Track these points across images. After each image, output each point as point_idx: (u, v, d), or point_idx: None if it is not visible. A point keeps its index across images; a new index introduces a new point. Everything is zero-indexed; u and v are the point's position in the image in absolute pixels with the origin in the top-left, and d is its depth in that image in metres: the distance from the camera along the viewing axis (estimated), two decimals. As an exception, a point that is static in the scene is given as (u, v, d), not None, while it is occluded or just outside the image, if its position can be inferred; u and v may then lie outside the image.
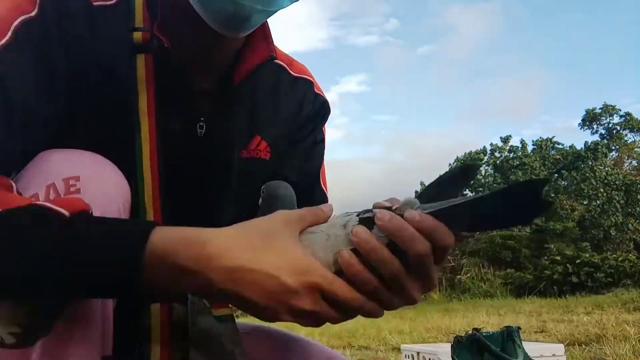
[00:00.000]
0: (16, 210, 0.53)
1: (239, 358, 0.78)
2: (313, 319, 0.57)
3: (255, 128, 0.84)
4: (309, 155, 0.93)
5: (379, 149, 45.41)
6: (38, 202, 0.55)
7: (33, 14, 0.67)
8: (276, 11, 0.71)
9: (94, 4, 0.72)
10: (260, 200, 0.79)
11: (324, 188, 0.95)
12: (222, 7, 0.67)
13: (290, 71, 0.90)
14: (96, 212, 0.59)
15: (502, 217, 0.61)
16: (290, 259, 0.55)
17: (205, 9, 0.68)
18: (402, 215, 0.57)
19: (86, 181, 0.62)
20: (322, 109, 0.93)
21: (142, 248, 0.53)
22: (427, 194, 0.64)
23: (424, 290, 0.59)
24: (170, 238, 0.55)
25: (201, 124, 0.78)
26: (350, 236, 0.56)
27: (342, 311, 0.57)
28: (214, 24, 0.70)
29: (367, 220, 0.58)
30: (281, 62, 0.89)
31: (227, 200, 0.84)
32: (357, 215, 0.59)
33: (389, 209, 0.59)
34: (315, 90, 0.93)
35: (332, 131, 48.14)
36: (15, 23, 0.66)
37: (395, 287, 0.57)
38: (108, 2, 0.73)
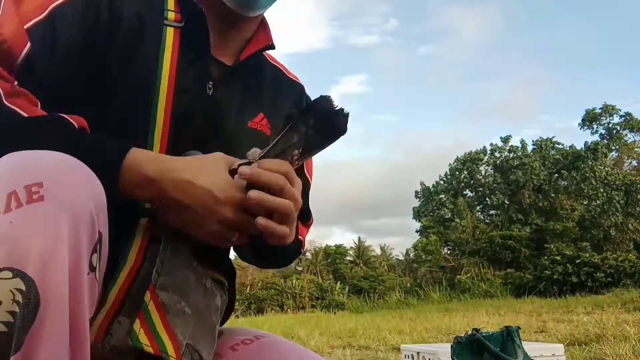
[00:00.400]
0: (41, 118, 0.72)
1: None
2: (234, 227, 0.76)
3: (260, 106, 0.98)
4: None
5: (379, 149, 45.44)
6: (56, 114, 0.73)
7: None
8: None
9: None
10: None
11: (307, 175, 1.08)
12: None
13: (287, 74, 1.07)
14: (64, 217, 0.58)
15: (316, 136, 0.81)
16: (220, 181, 0.75)
17: None
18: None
19: (50, 188, 0.59)
20: None
21: (123, 155, 0.73)
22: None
23: (296, 209, 0.78)
24: (142, 154, 0.75)
25: (210, 85, 0.90)
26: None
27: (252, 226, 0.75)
28: (229, 3, 0.89)
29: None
30: (279, 65, 1.06)
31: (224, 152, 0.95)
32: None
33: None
34: (306, 93, 1.08)
35: (332, 131, 48.14)
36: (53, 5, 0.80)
37: (286, 196, 0.77)
38: None
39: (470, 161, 24.07)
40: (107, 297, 0.76)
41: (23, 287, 0.55)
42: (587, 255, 13.79)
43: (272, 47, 0.99)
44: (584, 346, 3.61)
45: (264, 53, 1.02)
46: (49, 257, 0.57)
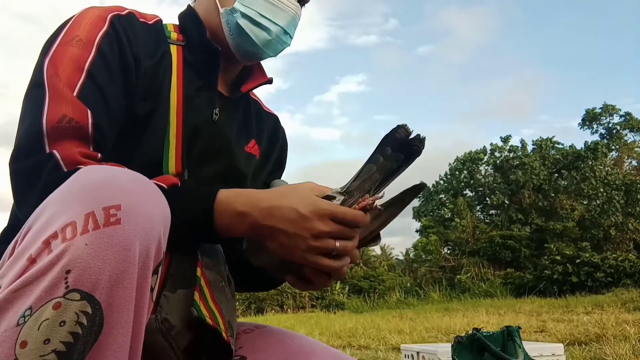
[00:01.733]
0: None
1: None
2: (331, 240, 0.78)
3: (252, 133, 1.10)
4: (276, 168, 1.20)
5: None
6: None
7: (105, 28, 0.90)
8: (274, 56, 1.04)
9: (140, 19, 0.97)
10: None
11: None
12: (249, 49, 1.01)
13: (263, 107, 1.19)
14: (138, 243, 0.59)
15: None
16: (304, 199, 0.78)
17: (236, 46, 1.00)
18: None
19: (127, 211, 0.59)
20: (284, 137, 1.22)
21: (213, 200, 0.79)
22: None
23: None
24: (230, 192, 0.80)
25: (216, 111, 1.00)
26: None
27: (349, 227, 0.79)
28: (237, 55, 1.02)
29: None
30: (257, 99, 1.19)
31: (227, 173, 1.03)
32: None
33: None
34: (280, 123, 1.22)
35: (332, 131, 48.12)
36: (97, 39, 0.88)
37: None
38: (150, 21, 1.00)
39: (470, 161, 24.06)
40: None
41: (89, 310, 0.56)
42: (587, 255, 13.78)
43: (270, 82, 1.11)
44: (584, 346, 3.61)
45: None
46: (118, 283, 0.57)
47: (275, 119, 1.20)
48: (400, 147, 0.82)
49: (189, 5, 1.07)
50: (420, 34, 42.13)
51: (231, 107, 1.05)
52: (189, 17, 1.04)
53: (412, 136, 0.82)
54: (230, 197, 0.79)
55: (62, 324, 0.55)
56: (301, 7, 1.06)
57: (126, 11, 0.95)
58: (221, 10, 0.99)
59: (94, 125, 0.81)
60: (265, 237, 0.79)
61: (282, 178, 1.21)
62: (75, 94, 0.82)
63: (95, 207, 0.58)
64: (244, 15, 0.98)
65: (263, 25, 0.98)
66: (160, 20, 1.02)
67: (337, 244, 0.79)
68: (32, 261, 0.58)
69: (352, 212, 0.79)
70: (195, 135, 0.95)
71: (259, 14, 0.98)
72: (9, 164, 0.79)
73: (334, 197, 0.82)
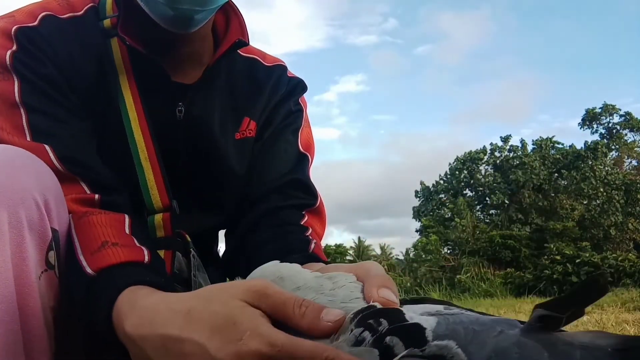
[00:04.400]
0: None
1: None
2: None
3: (242, 111, 0.89)
4: (282, 131, 0.94)
5: (377, 149, 45.44)
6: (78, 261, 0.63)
7: (14, 47, 0.74)
8: (216, 8, 0.77)
9: (62, 17, 0.79)
10: None
11: (304, 151, 0.93)
12: (164, 12, 0.74)
13: (264, 62, 0.95)
14: (4, 211, 0.56)
15: None
16: (226, 326, 0.45)
17: (152, 12, 0.75)
18: None
19: None
20: (295, 89, 0.96)
21: (110, 315, 0.57)
22: None
23: None
24: (125, 303, 0.55)
25: (180, 107, 0.82)
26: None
27: None
28: (162, 24, 0.76)
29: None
30: (254, 56, 0.94)
31: (223, 179, 0.88)
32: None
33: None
34: (289, 74, 0.97)
35: (331, 131, 48.14)
36: (8, 63, 0.73)
37: None
38: (78, 12, 0.80)
39: (470, 161, 24.06)
40: None
41: None
42: (587, 254, 13.78)
43: (243, 43, 0.84)
44: (583, 346, 3.60)
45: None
46: None
47: (279, 73, 0.95)
48: None
49: None
50: (419, 35, 42.15)
51: (201, 93, 0.84)
52: None
53: None
54: (124, 312, 0.55)
55: None
56: None
57: (39, 17, 0.77)
58: None
59: (58, 159, 0.70)
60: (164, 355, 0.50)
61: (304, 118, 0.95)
62: (27, 137, 0.71)
63: None
64: None
65: None
66: (93, 6, 0.82)
67: None
68: None
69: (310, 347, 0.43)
70: (166, 149, 0.80)
71: None
72: None
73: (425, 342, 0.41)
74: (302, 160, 0.92)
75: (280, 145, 0.91)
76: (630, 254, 13.67)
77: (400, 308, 0.45)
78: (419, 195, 25.22)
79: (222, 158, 0.86)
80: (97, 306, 0.58)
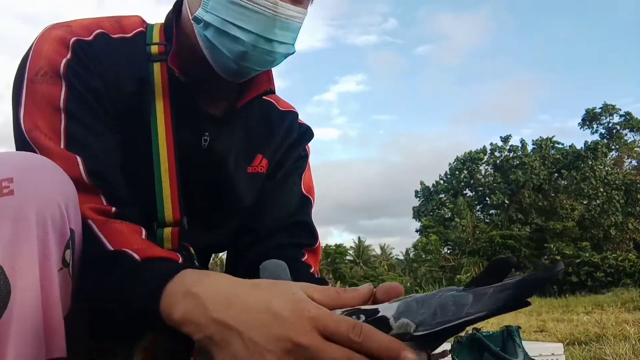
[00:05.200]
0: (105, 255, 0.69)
1: None
2: (307, 357, 0.52)
3: (256, 148, 0.97)
4: (291, 173, 1.03)
5: (377, 149, 45.45)
6: (122, 250, 0.69)
7: (69, 56, 0.79)
8: (271, 68, 0.88)
9: (114, 36, 0.84)
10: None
11: (307, 193, 1.02)
12: (227, 64, 0.82)
13: (278, 107, 1.03)
14: (32, 210, 0.60)
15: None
16: (287, 294, 0.56)
17: (214, 60, 0.82)
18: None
19: (20, 183, 0.61)
20: (304, 135, 1.05)
21: (165, 283, 0.62)
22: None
23: None
24: (185, 272, 0.63)
25: (205, 137, 0.89)
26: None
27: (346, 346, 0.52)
28: (220, 72, 0.84)
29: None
30: (270, 99, 1.03)
31: (231, 206, 0.95)
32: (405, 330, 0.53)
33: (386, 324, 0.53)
34: (299, 121, 1.05)
35: (331, 130, 48.14)
36: (61, 70, 0.78)
37: None
38: (127, 35, 0.86)
39: (470, 161, 24.07)
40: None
41: None
42: (587, 254, 13.81)
43: (271, 92, 0.93)
44: (583, 346, 3.61)
45: None
46: (17, 246, 0.59)
47: (291, 118, 1.03)
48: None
49: (175, 2, 0.90)
50: (419, 35, 42.15)
51: (226, 128, 0.92)
52: (169, 26, 0.88)
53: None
54: (185, 277, 0.62)
55: None
56: (304, 5, 0.85)
57: (94, 34, 0.82)
58: (191, 19, 0.83)
59: (87, 173, 0.74)
60: (212, 343, 0.57)
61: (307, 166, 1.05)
62: (62, 143, 0.75)
63: None
64: (209, 25, 0.80)
65: (232, 35, 0.79)
66: (142, 31, 0.87)
67: None
68: None
69: (351, 322, 0.52)
70: (186, 170, 0.85)
71: (225, 20, 0.79)
72: None
73: (385, 320, 0.53)
74: (306, 203, 1.01)
75: (289, 187, 1.00)
76: (630, 254, 13.69)
77: (377, 307, 0.56)
78: (419, 195, 25.24)
79: (233, 188, 0.93)
80: (143, 286, 0.64)
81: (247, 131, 0.96)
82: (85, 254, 0.69)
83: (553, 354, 2.26)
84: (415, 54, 42.37)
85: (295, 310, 0.53)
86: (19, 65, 0.81)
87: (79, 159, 0.75)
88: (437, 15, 42.91)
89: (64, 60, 0.78)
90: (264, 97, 0.98)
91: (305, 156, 1.04)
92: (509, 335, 1.81)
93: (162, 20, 0.90)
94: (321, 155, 47.09)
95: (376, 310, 0.55)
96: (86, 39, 0.81)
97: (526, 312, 7.62)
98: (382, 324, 0.52)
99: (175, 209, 0.83)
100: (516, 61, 41.62)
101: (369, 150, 46.12)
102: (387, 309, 0.54)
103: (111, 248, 0.69)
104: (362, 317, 0.54)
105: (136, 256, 0.67)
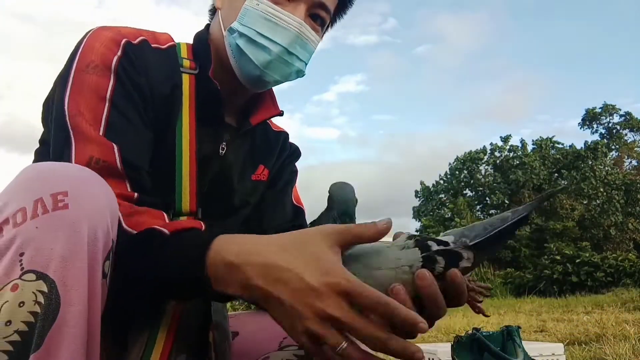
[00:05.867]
0: (136, 235, 0.72)
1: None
2: (339, 327, 0.59)
3: (258, 159, 1.08)
4: (288, 185, 1.17)
5: (377, 149, 45.40)
6: (153, 227, 0.72)
7: (120, 53, 0.87)
8: (284, 82, 0.99)
9: (152, 45, 0.94)
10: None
11: (297, 204, 1.17)
12: (251, 71, 0.94)
13: (272, 127, 1.17)
14: (85, 225, 0.62)
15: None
16: (317, 261, 0.61)
17: (239, 66, 0.95)
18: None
19: (74, 197, 0.62)
20: (295, 153, 1.19)
21: (205, 253, 0.67)
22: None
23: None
24: (225, 240, 0.68)
25: (223, 145, 0.99)
26: (411, 270, 0.61)
27: (373, 321, 0.58)
28: (242, 80, 0.96)
29: (429, 260, 0.62)
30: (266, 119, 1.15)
31: (239, 208, 1.04)
32: (417, 247, 0.64)
33: (445, 244, 0.64)
34: (290, 140, 1.20)
35: (332, 131, 48.14)
36: (113, 65, 0.85)
37: (431, 315, 0.62)
38: (163, 46, 0.96)
39: (470, 161, 24.07)
40: (157, 334, 0.81)
41: (45, 289, 0.59)
42: (587, 254, 13.79)
43: (281, 114, 1.08)
44: (583, 345, 3.60)
45: None
46: (69, 262, 0.60)
47: (284, 137, 1.17)
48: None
49: (207, 25, 1.04)
50: (419, 35, 42.16)
51: (239, 139, 1.03)
52: (201, 42, 1.00)
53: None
54: (222, 245, 0.67)
55: (21, 305, 0.58)
56: (320, 32, 1.00)
57: (139, 39, 0.92)
58: (224, 32, 0.96)
59: (122, 161, 0.80)
60: (258, 300, 0.65)
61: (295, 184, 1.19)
62: (101, 130, 0.81)
63: (44, 193, 0.61)
64: (242, 35, 0.93)
65: (261, 45, 0.92)
66: (173, 45, 0.98)
67: (344, 344, 0.58)
68: None
69: (379, 296, 0.57)
70: (203, 171, 0.93)
71: (257, 32, 0.92)
72: None
73: (461, 255, 0.63)
74: (300, 211, 1.15)
75: (285, 197, 1.14)
76: (630, 254, 13.67)
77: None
78: (419, 195, 25.24)
79: (240, 191, 1.03)
80: (184, 252, 0.68)
81: (252, 144, 1.07)
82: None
83: (553, 354, 2.26)
84: (415, 54, 42.40)
85: (328, 285, 0.59)
86: (67, 60, 0.87)
87: (115, 146, 0.80)
88: (437, 15, 42.96)
89: (115, 57, 0.86)
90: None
91: (296, 172, 1.19)
92: (509, 335, 1.81)
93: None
94: (321, 156, 47.04)
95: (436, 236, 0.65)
96: (133, 42, 0.90)
97: (526, 312, 7.62)
98: (443, 242, 0.63)
99: (192, 201, 0.90)
100: (516, 61, 41.67)
101: (368, 150, 46.12)
102: (445, 236, 0.66)
103: (134, 231, 0.73)
104: (425, 236, 0.65)
105: (165, 231, 0.72)
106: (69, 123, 0.81)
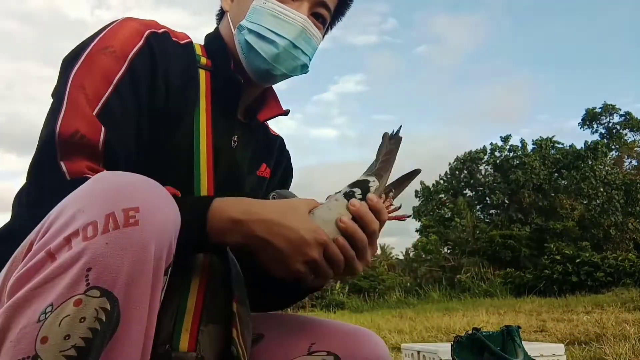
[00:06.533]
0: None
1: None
2: (317, 270, 0.81)
3: (261, 157, 1.13)
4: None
5: (376, 149, 45.17)
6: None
7: (140, 44, 0.90)
8: (291, 76, 1.04)
9: (173, 39, 0.98)
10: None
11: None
12: (260, 65, 0.99)
13: (270, 131, 1.21)
14: (153, 244, 0.62)
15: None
16: (306, 222, 0.80)
17: (247, 60, 1.00)
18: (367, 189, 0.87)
19: (145, 214, 0.62)
20: (289, 159, 1.25)
21: (208, 206, 0.78)
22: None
23: (372, 254, 0.86)
24: (226, 201, 0.80)
25: (235, 138, 1.02)
26: (345, 206, 0.84)
27: (335, 267, 0.81)
28: (251, 75, 1.01)
29: (350, 195, 0.86)
30: (265, 123, 1.20)
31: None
32: (343, 193, 0.87)
33: (366, 186, 0.87)
34: (285, 146, 1.25)
35: (331, 131, 48.12)
36: (131, 55, 0.88)
37: (373, 243, 0.84)
38: (182, 41, 1.00)
39: (470, 160, 24.05)
40: (186, 305, 0.84)
41: (108, 307, 0.59)
42: (587, 254, 13.78)
43: (287, 113, 1.13)
44: (583, 345, 3.60)
45: None
46: (134, 281, 0.60)
47: (280, 142, 1.22)
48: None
49: (216, 28, 1.09)
50: (419, 35, 42.14)
51: (248, 134, 1.07)
52: (214, 42, 1.05)
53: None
54: (225, 204, 0.79)
55: (82, 320, 0.57)
56: (322, 30, 1.06)
57: (162, 29, 0.96)
58: (234, 31, 1.01)
59: (104, 143, 0.81)
60: (257, 248, 0.80)
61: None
62: (96, 110, 0.82)
63: (116, 208, 0.61)
64: (251, 31, 0.98)
65: (269, 39, 0.98)
66: (191, 42, 1.02)
67: (312, 276, 0.82)
68: (52, 256, 0.60)
69: (339, 253, 0.81)
70: (217, 162, 0.96)
71: (265, 27, 0.97)
72: (29, 167, 0.82)
73: (369, 182, 0.87)
74: None
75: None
76: (630, 254, 13.66)
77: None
78: (419, 195, 25.22)
79: (249, 184, 1.08)
80: (188, 209, 0.73)
81: (257, 141, 1.11)
82: None
83: (554, 354, 2.26)
84: (415, 54, 42.38)
85: (315, 239, 0.79)
86: (86, 39, 0.89)
87: (104, 129, 0.82)
88: (437, 15, 42.97)
89: (135, 48, 0.88)
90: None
91: (291, 175, 1.27)
92: (509, 335, 1.81)
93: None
94: (320, 156, 47.02)
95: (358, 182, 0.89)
96: (157, 31, 0.94)
97: (526, 312, 7.62)
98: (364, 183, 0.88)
99: (210, 190, 0.93)
100: (516, 61, 41.67)
101: (368, 150, 46.02)
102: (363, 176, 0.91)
103: None
104: (357, 190, 0.87)
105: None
106: (67, 91, 0.82)
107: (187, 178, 0.91)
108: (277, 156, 1.19)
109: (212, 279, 0.88)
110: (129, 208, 0.61)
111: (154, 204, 0.64)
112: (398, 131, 0.98)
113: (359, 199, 0.84)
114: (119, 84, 0.85)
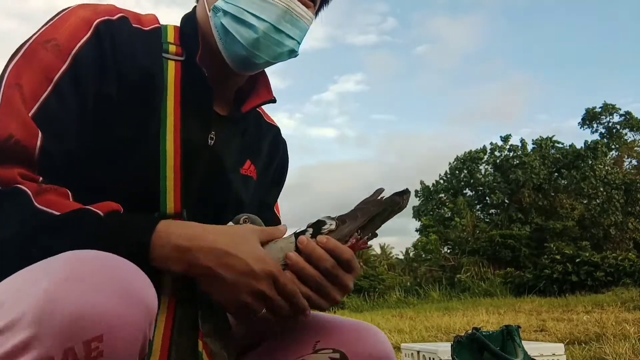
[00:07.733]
0: (67, 215, 0.70)
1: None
2: (267, 304, 0.76)
3: (246, 154, 1.01)
4: (274, 185, 1.14)
5: (377, 148, 45.35)
6: (84, 207, 0.71)
7: (88, 35, 0.81)
8: (275, 63, 0.93)
9: (133, 25, 0.88)
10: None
11: (277, 214, 1.15)
12: (238, 51, 0.88)
13: (265, 118, 1.11)
14: (123, 355, 0.56)
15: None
16: (256, 252, 0.76)
17: (226, 48, 0.89)
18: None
19: (110, 340, 0.55)
20: (285, 150, 1.15)
21: (151, 232, 0.72)
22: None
23: (342, 293, 0.81)
24: (171, 226, 0.74)
25: (212, 135, 0.92)
26: (294, 243, 0.80)
27: (290, 302, 0.77)
28: (230, 62, 0.90)
29: (301, 234, 0.83)
30: (259, 110, 1.09)
31: (227, 203, 0.97)
32: (294, 232, 0.84)
33: (319, 226, 0.83)
34: (281, 136, 1.14)
35: (331, 131, 48.11)
36: (75, 49, 0.79)
37: (337, 282, 0.79)
38: (146, 27, 0.90)
39: (470, 160, 24.05)
40: (152, 346, 0.76)
41: None
42: (587, 254, 13.77)
43: (274, 101, 1.02)
44: (583, 345, 3.61)
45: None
46: None
47: (276, 132, 1.11)
48: (390, 210, 0.89)
49: (194, 8, 0.97)
50: (419, 34, 42.12)
51: (229, 128, 0.96)
52: (188, 25, 0.94)
53: (401, 194, 0.90)
54: (170, 230, 0.73)
55: None
56: (313, 9, 0.94)
57: (118, 15, 0.85)
58: (209, 13, 0.89)
59: (41, 149, 0.73)
60: (202, 277, 0.75)
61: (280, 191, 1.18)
62: (32, 111, 0.74)
63: (76, 341, 0.54)
64: (226, 13, 0.87)
65: (247, 22, 0.86)
66: (158, 28, 0.91)
67: (263, 310, 0.77)
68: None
69: (292, 287, 0.77)
70: (190, 165, 0.86)
71: (242, 9, 0.86)
72: None
73: (325, 222, 0.82)
74: (277, 220, 1.16)
75: (269, 197, 1.12)
76: (630, 254, 13.66)
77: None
78: (419, 195, 25.22)
79: (232, 185, 0.97)
80: (130, 232, 0.72)
81: (243, 135, 1.01)
82: (22, 224, 0.68)
83: (554, 354, 2.26)
84: (415, 54, 42.36)
85: (264, 271, 0.74)
86: (37, 30, 0.81)
87: (40, 134, 0.73)
88: (436, 15, 42.96)
89: (81, 41, 0.80)
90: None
91: (286, 173, 1.18)
92: (509, 335, 1.81)
93: (169, 21, 0.94)
94: (320, 156, 46.99)
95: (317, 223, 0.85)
96: (111, 18, 0.84)
97: (526, 311, 7.62)
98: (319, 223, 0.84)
99: (177, 201, 0.85)
100: (516, 61, 41.64)
101: (368, 150, 46.08)
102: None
103: (58, 213, 0.69)
104: (310, 229, 0.83)
105: (98, 211, 0.72)
106: (2, 90, 0.74)
107: (152, 186, 0.83)
108: (270, 150, 1.08)
109: (177, 314, 0.81)
110: (90, 339, 0.54)
111: (121, 320, 0.56)
112: (403, 193, 0.91)
113: (308, 236, 0.81)
114: (59, 82, 0.76)
